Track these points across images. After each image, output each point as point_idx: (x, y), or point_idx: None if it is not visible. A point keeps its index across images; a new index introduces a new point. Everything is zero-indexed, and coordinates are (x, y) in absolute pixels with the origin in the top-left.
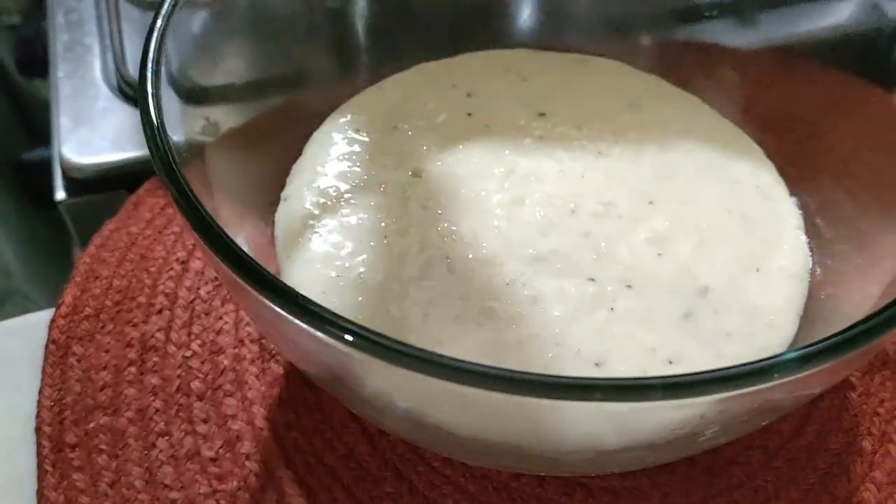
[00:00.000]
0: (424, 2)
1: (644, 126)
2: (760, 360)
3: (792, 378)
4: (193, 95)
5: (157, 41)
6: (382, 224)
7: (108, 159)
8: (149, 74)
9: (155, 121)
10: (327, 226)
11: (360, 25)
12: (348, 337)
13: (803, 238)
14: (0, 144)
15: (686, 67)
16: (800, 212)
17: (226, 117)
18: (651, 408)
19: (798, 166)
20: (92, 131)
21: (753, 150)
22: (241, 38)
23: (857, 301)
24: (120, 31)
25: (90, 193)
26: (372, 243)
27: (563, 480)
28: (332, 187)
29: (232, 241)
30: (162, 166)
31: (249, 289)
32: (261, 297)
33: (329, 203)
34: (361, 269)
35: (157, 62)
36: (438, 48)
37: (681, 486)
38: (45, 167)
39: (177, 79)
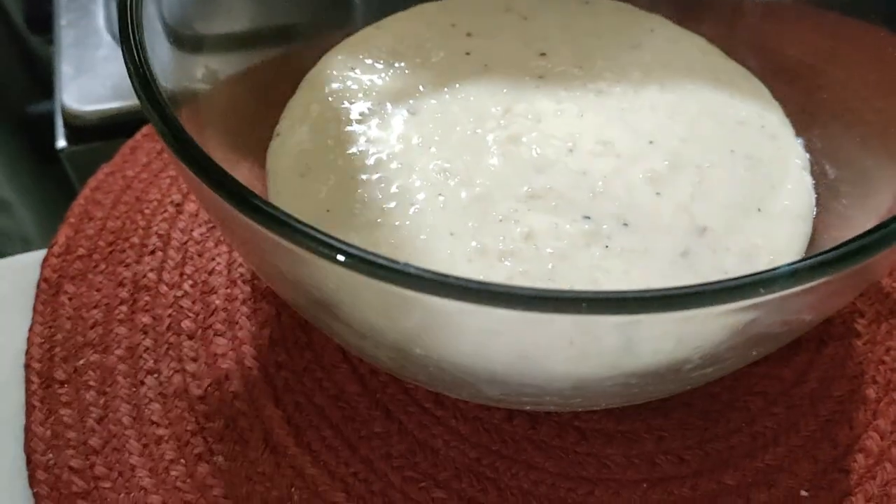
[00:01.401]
0: None
1: (646, 65)
2: (741, 277)
3: (774, 296)
4: (193, 44)
5: None
6: (374, 160)
7: (109, 106)
8: (130, 14)
9: (137, 58)
10: (318, 161)
11: None
12: (340, 257)
13: (808, 179)
14: (9, 99)
15: (694, 11)
16: (806, 154)
17: (225, 65)
18: (629, 322)
19: (806, 110)
20: (93, 79)
21: (760, 91)
22: None
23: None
24: None
25: (91, 141)
26: (364, 177)
27: (556, 422)
28: (323, 123)
29: (204, 154)
30: (139, 86)
31: (225, 203)
32: (236, 212)
33: (320, 138)
34: (354, 205)
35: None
36: None
37: (676, 430)
38: (49, 120)
39: (175, 27)
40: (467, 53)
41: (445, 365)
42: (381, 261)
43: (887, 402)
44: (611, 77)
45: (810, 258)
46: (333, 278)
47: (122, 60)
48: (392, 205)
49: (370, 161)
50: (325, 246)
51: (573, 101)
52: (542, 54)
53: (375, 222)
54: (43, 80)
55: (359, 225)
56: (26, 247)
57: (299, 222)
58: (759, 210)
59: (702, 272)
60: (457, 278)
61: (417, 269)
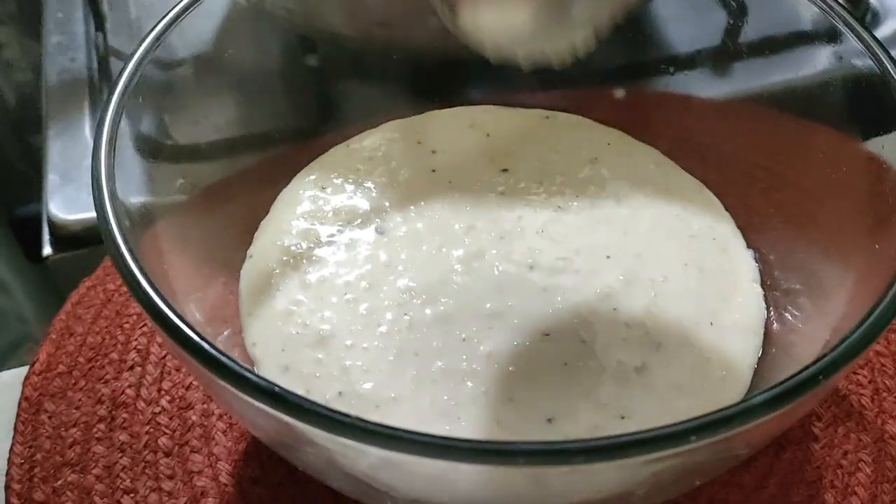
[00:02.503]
0: (395, 62)
1: (602, 179)
2: (663, 427)
3: (712, 440)
4: (170, 154)
5: (117, 99)
6: (344, 281)
7: (94, 215)
8: (103, 146)
9: (104, 191)
10: (289, 283)
11: (332, 85)
12: (298, 414)
13: (758, 290)
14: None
15: (650, 120)
16: (757, 265)
17: (202, 175)
18: (571, 471)
19: (761, 215)
20: (79, 189)
21: (712, 203)
22: (214, 99)
23: (812, 351)
24: (110, 91)
25: (76, 249)
26: (333, 300)
27: None
28: (295, 244)
29: (174, 311)
30: (110, 240)
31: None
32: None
33: (291, 260)
34: (322, 327)
35: (112, 130)
36: (408, 105)
37: None
38: (36, 222)
39: (149, 137)
40: (433, 171)
41: (401, 500)
42: (336, 416)
43: None
44: (569, 192)
45: (741, 403)
46: (293, 429)
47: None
48: (359, 327)
49: (339, 282)
50: (284, 403)
51: (533, 217)
52: (504, 170)
53: (345, 345)
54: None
55: (328, 347)
56: (23, 326)
57: (235, 375)
58: (710, 324)
59: (657, 389)
60: (398, 431)
61: (369, 423)
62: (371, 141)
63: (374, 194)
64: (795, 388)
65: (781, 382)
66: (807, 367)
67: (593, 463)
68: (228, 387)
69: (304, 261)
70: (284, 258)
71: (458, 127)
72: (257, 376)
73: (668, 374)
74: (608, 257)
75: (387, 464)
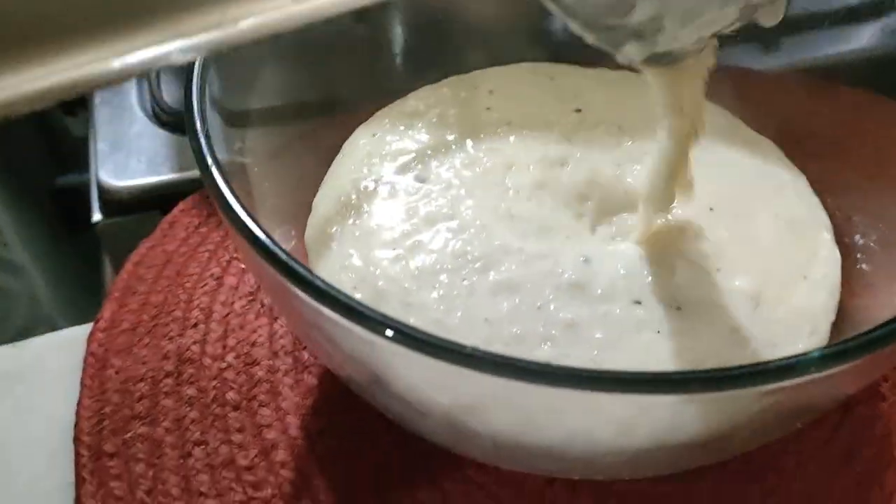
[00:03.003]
0: (451, 23)
1: None
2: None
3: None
4: (236, 118)
5: (200, 66)
6: (390, 236)
7: (143, 181)
8: (194, 93)
9: (202, 137)
10: (343, 235)
11: (391, 48)
12: (388, 332)
13: (835, 246)
14: (37, 173)
15: (712, 89)
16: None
17: (262, 138)
18: (679, 402)
19: (824, 183)
20: (128, 155)
21: (784, 160)
22: (275, 65)
23: (885, 307)
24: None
25: (125, 215)
26: (382, 254)
27: (595, 488)
28: (350, 195)
29: (279, 246)
30: (210, 177)
31: (296, 289)
32: (308, 300)
33: (346, 212)
34: (378, 283)
35: (201, 86)
36: (465, 69)
37: (712, 493)
38: (79, 191)
39: (219, 102)
40: (487, 108)
41: (498, 439)
42: (438, 342)
43: None
44: (652, 135)
45: (842, 343)
46: (388, 356)
47: (155, 137)
48: (414, 287)
49: (385, 236)
50: (385, 326)
51: (617, 163)
52: (577, 110)
53: (405, 302)
54: (73, 154)
55: (388, 304)
56: (35, 306)
57: (356, 302)
58: (804, 277)
59: (753, 349)
60: (513, 359)
61: (477, 350)
62: (425, 92)
63: (420, 136)
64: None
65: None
66: None
67: (721, 391)
68: (332, 315)
69: (353, 211)
70: (342, 209)
71: (517, 73)
72: (365, 305)
73: (765, 333)
74: (711, 209)
75: (485, 397)
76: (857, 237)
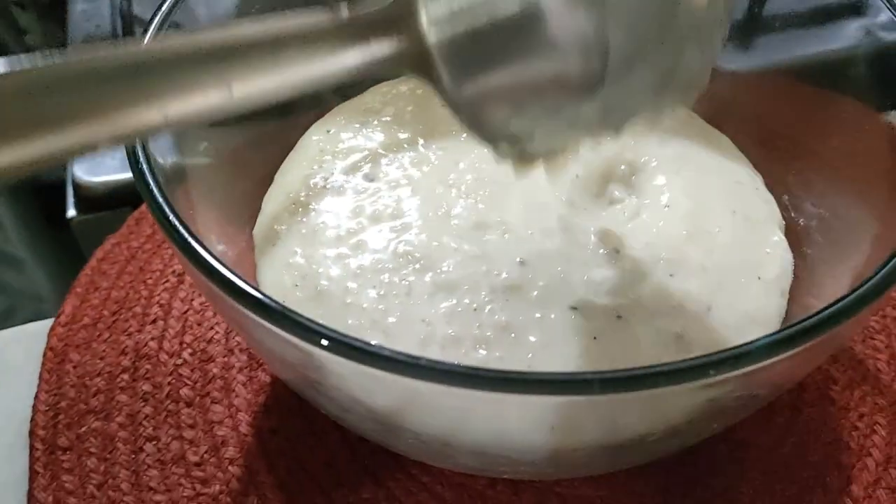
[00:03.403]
0: None
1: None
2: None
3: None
4: None
5: None
6: (335, 234)
7: (117, 178)
8: None
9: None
10: (288, 233)
11: None
12: (323, 342)
13: (788, 247)
14: None
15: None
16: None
17: (223, 138)
18: (591, 405)
19: (779, 180)
20: (103, 153)
21: (741, 157)
22: None
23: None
24: None
25: (99, 210)
26: (327, 253)
27: (537, 489)
28: (300, 192)
29: (205, 248)
30: (142, 184)
31: (224, 295)
32: (228, 298)
33: (291, 207)
34: (321, 282)
35: None
36: None
37: (656, 495)
38: (59, 188)
39: None
40: (442, 105)
41: (425, 438)
42: (359, 345)
43: (860, 468)
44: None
45: (771, 336)
46: (316, 360)
47: None
48: (355, 286)
49: (330, 234)
50: (308, 331)
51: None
52: None
53: (344, 302)
54: None
55: (327, 304)
56: (38, 304)
57: (282, 309)
58: (758, 278)
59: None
60: (431, 361)
61: (393, 352)
62: (383, 88)
63: (374, 134)
64: (812, 328)
65: (801, 321)
66: (831, 305)
67: (616, 393)
68: (257, 318)
69: (300, 209)
70: (287, 206)
71: None
72: (288, 309)
73: (709, 339)
74: (667, 207)
75: (413, 399)
76: (809, 238)
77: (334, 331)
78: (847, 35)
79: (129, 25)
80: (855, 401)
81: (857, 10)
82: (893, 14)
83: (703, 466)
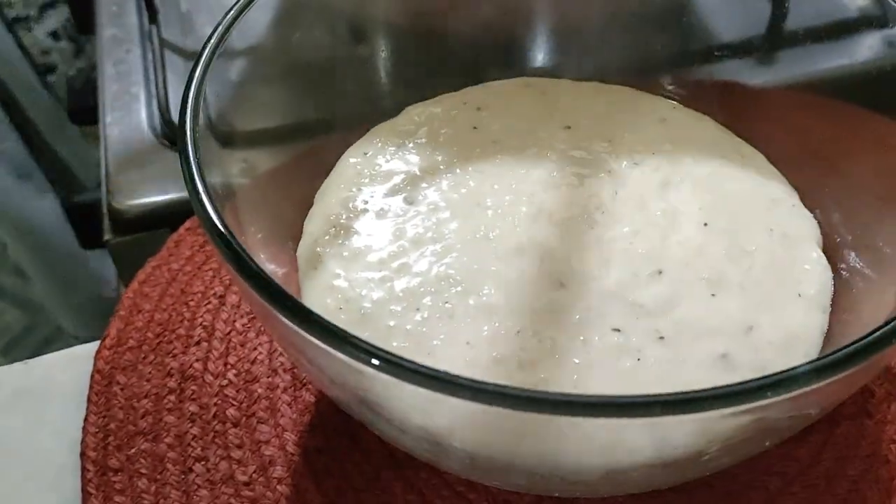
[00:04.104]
0: (444, 42)
1: (675, 139)
2: (757, 379)
3: (786, 397)
4: (232, 139)
5: (195, 90)
6: (377, 257)
7: (152, 200)
8: (188, 122)
9: (194, 167)
10: (330, 255)
11: (385, 68)
12: (374, 361)
13: (827, 263)
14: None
15: (703, 102)
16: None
17: (262, 159)
18: (645, 425)
19: (813, 196)
20: (137, 174)
21: (776, 173)
22: (276, 85)
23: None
24: (165, 81)
25: (135, 232)
26: (368, 275)
27: None
28: (340, 214)
29: (261, 269)
30: (200, 207)
31: (279, 315)
32: (290, 324)
33: (335, 231)
34: (364, 304)
35: (195, 110)
36: (460, 84)
37: None
38: (94, 209)
39: (216, 124)
40: (474, 128)
41: (479, 458)
42: (419, 368)
43: None
44: (642, 150)
45: (824, 358)
46: (375, 383)
47: (164, 156)
48: (398, 308)
49: (372, 258)
50: (368, 354)
51: (603, 180)
52: (567, 127)
53: (387, 325)
54: (87, 170)
55: (372, 327)
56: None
57: (339, 330)
58: (799, 296)
59: (743, 375)
60: (492, 384)
61: (454, 376)
62: (418, 109)
63: (410, 157)
64: (863, 350)
65: (850, 345)
66: (871, 333)
67: (673, 415)
68: (315, 341)
69: (342, 232)
70: (328, 229)
71: (510, 88)
72: (348, 332)
73: (755, 359)
74: (705, 225)
75: (467, 420)
76: (847, 254)
77: (391, 353)
78: (870, 47)
79: (158, 51)
80: (892, 414)
81: (878, 21)
82: None
83: (744, 480)
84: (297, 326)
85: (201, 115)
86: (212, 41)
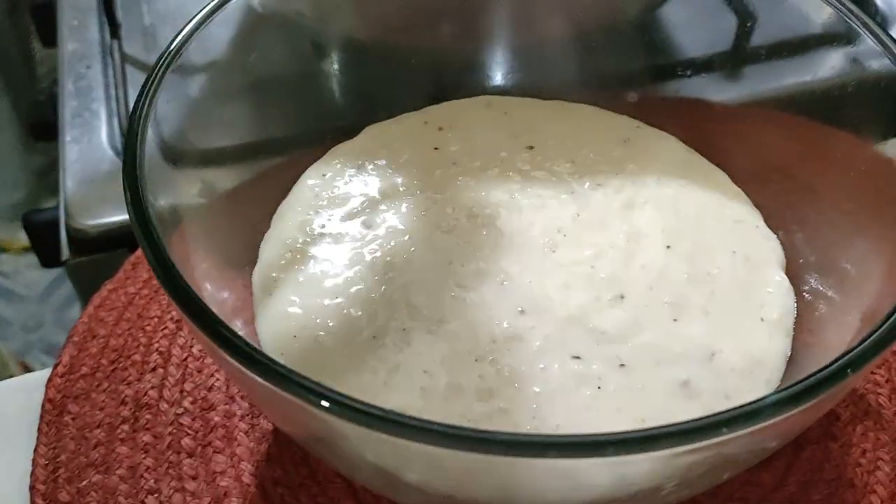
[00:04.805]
0: (409, 64)
1: (639, 159)
2: (706, 417)
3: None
4: (189, 158)
5: (143, 108)
6: (333, 283)
7: (112, 220)
8: (135, 143)
9: (139, 191)
10: (286, 281)
11: (347, 85)
12: (324, 402)
13: (787, 283)
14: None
15: (663, 125)
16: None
17: (220, 178)
18: (600, 464)
19: (776, 216)
20: (96, 193)
21: (740, 193)
22: (235, 102)
23: (832, 348)
24: (126, 98)
25: (94, 253)
26: (325, 302)
27: None
28: (297, 239)
29: (203, 305)
30: (141, 234)
31: (222, 353)
32: (234, 362)
33: (291, 256)
34: (318, 333)
35: (143, 129)
36: (421, 103)
37: None
38: (54, 226)
39: (172, 142)
40: (435, 148)
41: (435, 495)
42: (363, 407)
43: None
44: (606, 170)
45: (784, 391)
46: (321, 422)
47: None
48: (353, 335)
49: (328, 284)
50: (308, 391)
51: (564, 202)
52: (530, 147)
53: (342, 352)
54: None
55: (324, 353)
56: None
57: (274, 365)
58: (762, 320)
59: (705, 402)
60: (434, 423)
61: (400, 415)
62: (379, 129)
63: (369, 178)
64: (823, 381)
65: (811, 375)
66: (833, 363)
67: (627, 455)
68: (265, 383)
69: (298, 256)
70: (284, 253)
71: (471, 107)
72: (295, 373)
73: (716, 384)
74: (668, 247)
75: (418, 458)
76: (810, 276)
77: (337, 392)
78: (834, 65)
79: (120, 66)
80: (857, 437)
81: (843, 38)
82: (876, 42)
83: None
84: (240, 365)
85: (151, 133)
86: (164, 57)
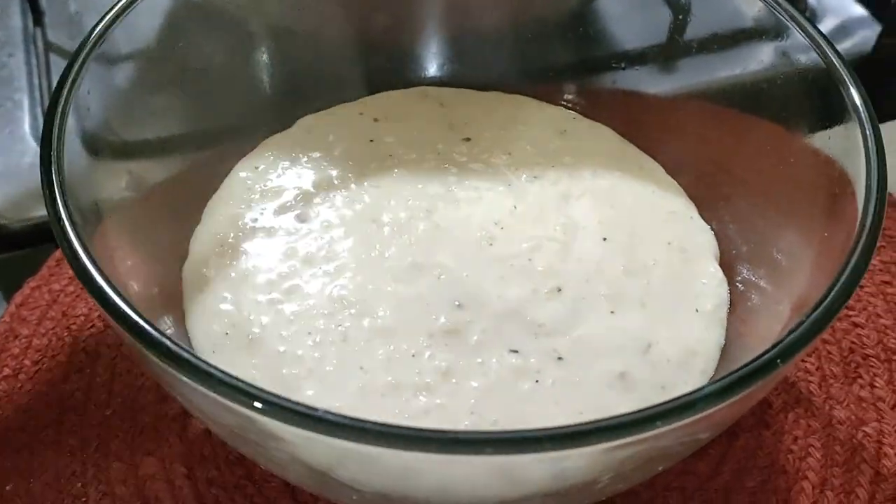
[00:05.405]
0: (338, 50)
1: (575, 151)
2: (637, 412)
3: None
4: (117, 150)
5: (63, 98)
6: (266, 279)
7: (34, 214)
8: (52, 134)
9: (56, 189)
10: (217, 277)
11: (279, 75)
12: (256, 403)
13: (721, 274)
14: None
15: (598, 117)
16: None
17: (149, 171)
18: (535, 459)
19: (710, 208)
20: (19, 187)
21: (674, 184)
22: (164, 92)
23: (763, 338)
24: (50, 87)
25: (16, 249)
26: (259, 298)
27: None
28: (228, 233)
29: (121, 300)
30: (58, 228)
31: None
32: (156, 360)
33: (222, 251)
34: (252, 329)
35: (62, 119)
36: (356, 94)
37: None
38: None
39: (98, 133)
40: (370, 140)
41: (367, 492)
42: (295, 407)
43: (797, 492)
44: (543, 162)
45: (715, 383)
46: (249, 420)
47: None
48: (288, 333)
49: (260, 279)
50: (237, 391)
51: (503, 193)
52: (466, 139)
53: (277, 351)
54: None
55: (261, 353)
56: None
57: (200, 365)
58: (696, 311)
59: (642, 394)
60: (368, 422)
61: (330, 413)
62: (313, 120)
63: (303, 171)
64: (754, 372)
65: (742, 367)
66: (763, 354)
67: (561, 450)
68: (189, 382)
69: (229, 251)
70: (215, 248)
71: (406, 98)
72: (219, 370)
73: (653, 376)
74: (605, 239)
75: (351, 457)
76: (742, 266)
77: (265, 391)
78: (764, 58)
79: (44, 55)
80: (789, 424)
81: (773, 32)
82: (804, 36)
83: (645, 497)
84: (161, 362)
85: (73, 123)
86: (86, 44)
